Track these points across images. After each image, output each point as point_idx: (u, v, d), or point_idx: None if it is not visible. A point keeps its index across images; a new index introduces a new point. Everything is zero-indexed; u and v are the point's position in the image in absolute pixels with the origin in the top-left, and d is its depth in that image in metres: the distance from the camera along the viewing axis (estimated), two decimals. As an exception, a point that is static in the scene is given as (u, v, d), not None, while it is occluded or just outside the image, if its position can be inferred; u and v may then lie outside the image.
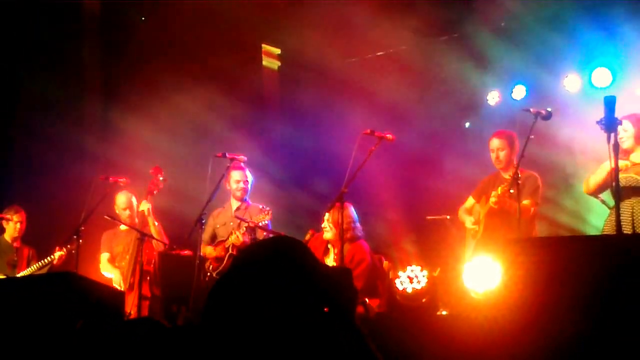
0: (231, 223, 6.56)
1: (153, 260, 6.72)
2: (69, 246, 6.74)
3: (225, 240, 6.48)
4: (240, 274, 2.05)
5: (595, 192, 5.44)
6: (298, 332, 2.04)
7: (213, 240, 6.64)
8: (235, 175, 6.57)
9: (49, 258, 6.87)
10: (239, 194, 6.63)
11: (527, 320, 3.42)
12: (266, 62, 9.35)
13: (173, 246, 6.65)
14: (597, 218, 7.23)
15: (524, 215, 5.37)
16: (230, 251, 6.43)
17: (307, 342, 2.04)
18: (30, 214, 7.34)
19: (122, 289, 6.50)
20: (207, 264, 6.46)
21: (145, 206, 6.63)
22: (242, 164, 6.53)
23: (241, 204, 6.67)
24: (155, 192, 6.68)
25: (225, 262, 6.43)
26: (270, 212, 6.30)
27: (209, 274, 6.42)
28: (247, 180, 6.63)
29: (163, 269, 6.90)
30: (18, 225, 7.17)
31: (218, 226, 6.66)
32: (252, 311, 2.00)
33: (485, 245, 5.82)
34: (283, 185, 8.54)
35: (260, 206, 6.47)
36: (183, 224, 6.69)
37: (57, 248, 6.85)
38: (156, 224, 6.69)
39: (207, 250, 6.47)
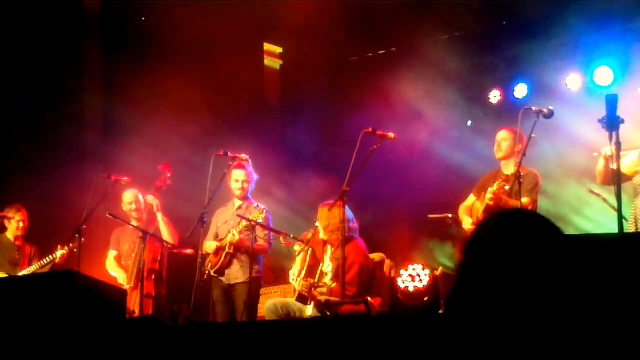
0: (231, 222, 6.56)
1: (158, 258, 6.72)
2: (70, 244, 6.74)
3: (223, 238, 6.49)
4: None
5: (603, 182, 5.46)
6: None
7: (215, 238, 6.64)
8: (234, 174, 6.56)
9: (50, 256, 6.87)
10: (237, 192, 6.62)
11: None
12: (267, 60, 9.36)
13: (175, 245, 6.67)
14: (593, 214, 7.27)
15: (522, 213, 5.37)
16: (227, 249, 6.43)
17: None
18: (33, 212, 7.34)
19: (127, 287, 6.51)
20: (206, 261, 6.47)
21: (153, 202, 6.64)
22: (243, 163, 6.52)
23: (243, 202, 6.66)
24: (163, 188, 6.70)
25: (222, 260, 6.43)
26: (264, 210, 6.29)
27: (207, 271, 6.42)
28: (246, 180, 6.60)
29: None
30: (20, 224, 7.17)
31: (219, 224, 6.66)
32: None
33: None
34: (285, 183, 8.55)
35: (256, 204, 6.46)
36: (184, 222, 6.69)
37: (59, 246, 6.85)
38: (165, 219, 6.71)
39: (206, 244, 6.47)
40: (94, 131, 8.56)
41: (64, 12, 8.29)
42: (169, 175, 6.70)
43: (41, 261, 6.97)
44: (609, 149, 5.03)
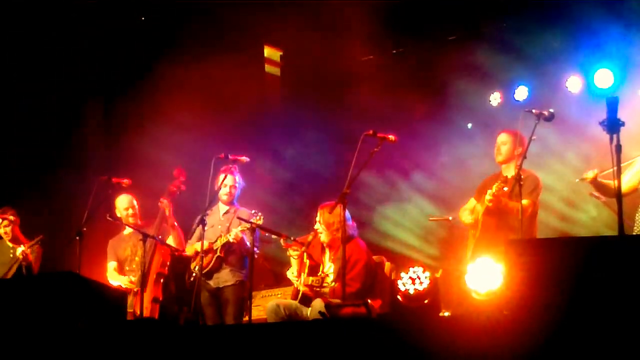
0: (219, 226, 6.59)
1: (168, 263, 6.70)
2: (32, 243, 6.85)
3: (214, 242, 6.48)
4: None
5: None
6: None
7: None
8: (223, 179, 6.55)
9: (14, 254, 6.93)
10: (224, 198, 6.67)
11: (529, 321, 3.42)
12: (268, 64, 9.35)
13: (181, 251, 6.65)
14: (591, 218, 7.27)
15: (522, 215, 5.37)
16: (218, 253, 6.46)
17: None
18: (34, 214, 7.35)
19: (135, 290, 6.47)
20: (193, 264, 6.48)
21: (166, 206, 6.62)
22: (232, 169, 6.50)
23: (229, 207, 6.69)
24: (176, 193, 6.69)
25: (212, 263, 6.45)
26: (262, 217, 6.24)
27: (194, 274, 6.42)
28: (234, 186, 6.64)
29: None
30: (7, 229, 7.17)
31: (206, 229, 6.63)
32: None
33: (483, 244, 5.82)
34: (285, 186, 8.54)
35: (253, 211, 6.40)
36: (185, 225, 6.70)
37: (22, 245, 6.91)
38: (175, 224, 6.69)
39: (193, 247, 6.45)
40: (96, 133, 8.56)
41: (62, 13, 8.29)
42: (183, 180, 6.69)
43: (8, 262, 7.01)
44: (591, 172, 5.34)
